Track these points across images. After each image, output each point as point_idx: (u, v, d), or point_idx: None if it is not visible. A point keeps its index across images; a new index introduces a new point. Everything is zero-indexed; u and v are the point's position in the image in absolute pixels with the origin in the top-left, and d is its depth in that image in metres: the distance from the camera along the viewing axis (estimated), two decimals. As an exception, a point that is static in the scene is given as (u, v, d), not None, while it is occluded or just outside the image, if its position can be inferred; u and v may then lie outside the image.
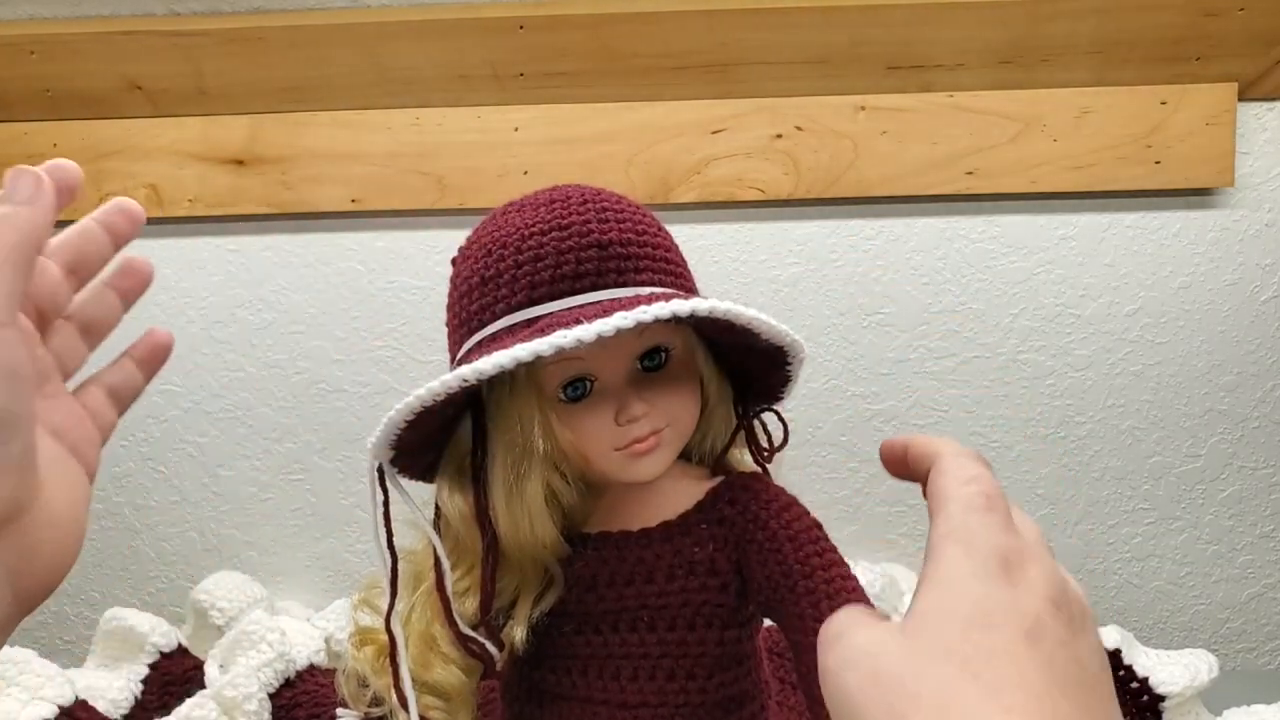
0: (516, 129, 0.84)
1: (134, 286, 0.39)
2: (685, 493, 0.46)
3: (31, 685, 0.62)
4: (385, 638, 0.45)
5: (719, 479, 0.46)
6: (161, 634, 0.72)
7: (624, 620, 0.44)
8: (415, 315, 0.89)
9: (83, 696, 0.63)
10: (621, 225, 0.43)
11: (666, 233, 0.46)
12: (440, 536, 0.44)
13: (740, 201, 0.85)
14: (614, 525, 0.45)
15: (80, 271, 0.36)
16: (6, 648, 0.66)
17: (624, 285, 0.41)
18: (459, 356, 0.44)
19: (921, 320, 0.88)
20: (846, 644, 0.29)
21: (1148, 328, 0.87)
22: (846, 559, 0.43)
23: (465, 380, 0.37)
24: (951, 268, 0.87)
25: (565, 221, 0.42)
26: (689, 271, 0.46)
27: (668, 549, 0.44)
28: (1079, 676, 0.26)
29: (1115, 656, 0.69)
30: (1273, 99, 0.84)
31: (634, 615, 0.43)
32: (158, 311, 0.89)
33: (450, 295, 0.45)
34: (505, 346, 0.37)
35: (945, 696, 0.25)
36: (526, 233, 0.42)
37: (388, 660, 0.45)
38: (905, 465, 0.33)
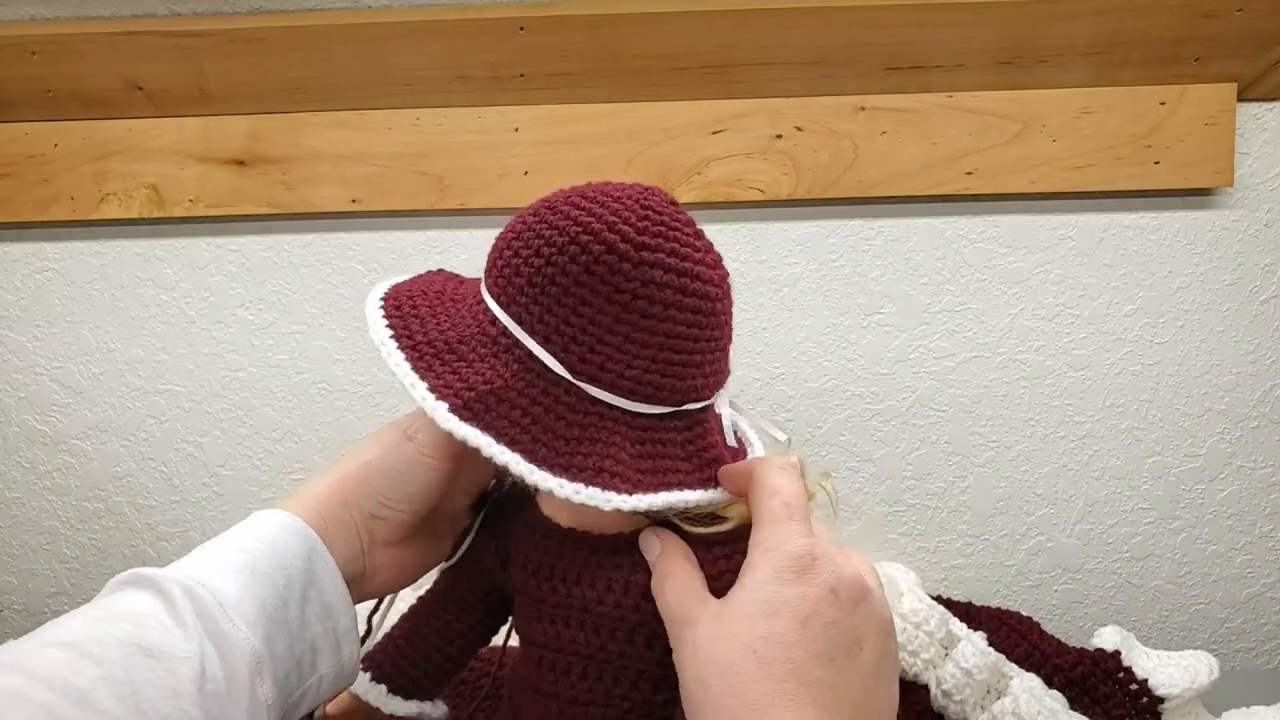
0: (517, 129, 0.84)
1: None
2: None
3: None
4: None
5: None
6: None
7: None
8: (415, 315, 0.89)
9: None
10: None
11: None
12: None
13: (740, 201, 0.85)
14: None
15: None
16: (10, 642, 0.67)
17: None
18: None
19: (921, 320, 0.88)
20: (681, 617, 0.39)
21: (1147, 328, 0.87)
22: None
23: None
24: (951, 268, 0.87)
25: None
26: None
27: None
28: (844, 645, 0.36)
29: (1115, 658, 0.69)
30: (1272, 99, 0.84)
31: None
32: (159, 312, 0.89)
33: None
34: None
35: (733, 670, 0.35)
36: None
37: None
38: (740, 487, 0.42)
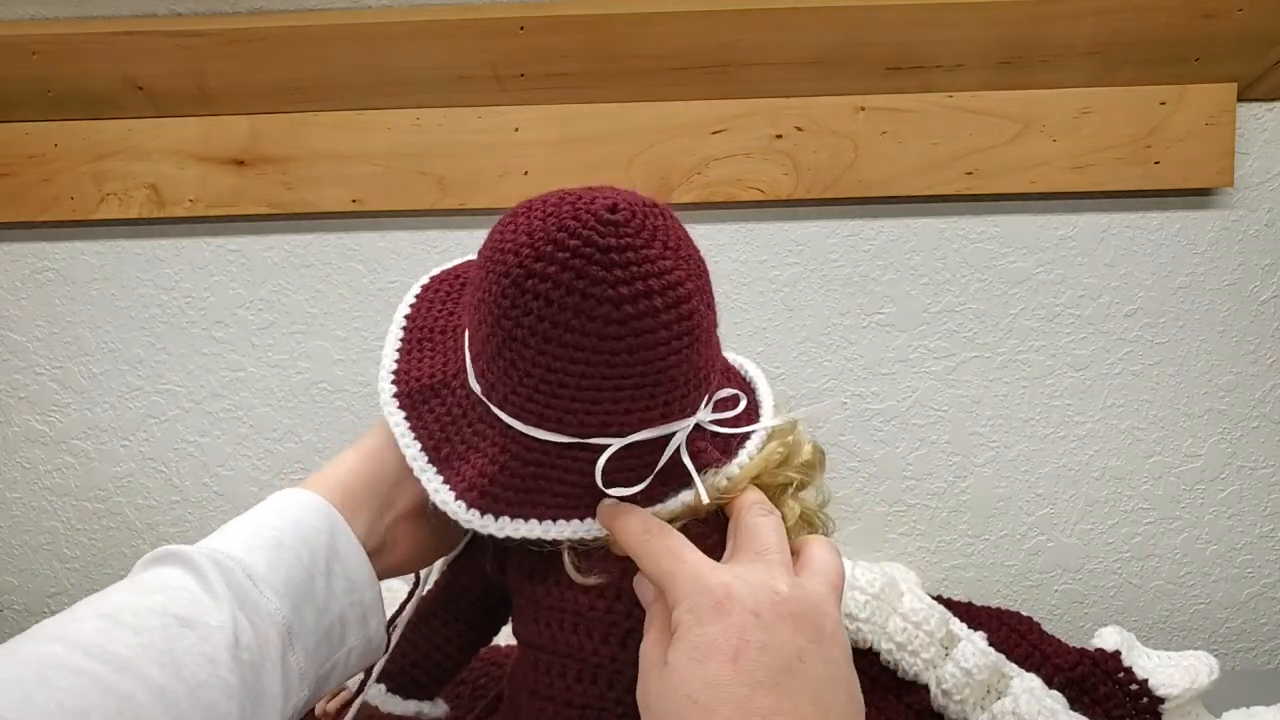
0: (517, 129, 0.84)
1: None
2: None
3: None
4: None
5: None
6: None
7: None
8: (416, 315, 0.89)
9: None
10: None
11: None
12: None
13: (740, 201, 0.85)
14: None
15: None
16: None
17: None
18: None
19: (921, 320, 0.88)
20: (642, 671, 0.39)
21: (1147, 328, 0.87)
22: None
23: None
24: (951, 268, 0.87)
25: None
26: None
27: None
28: (784, 665, 0.35)
29: (1115, 658, 0.69)
30: (1272, 99, 0.84)
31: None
32: (159, 312, 0.89)
33: None
34: None
35: None
36: None
37: None
38: (604, 522, 0.42)
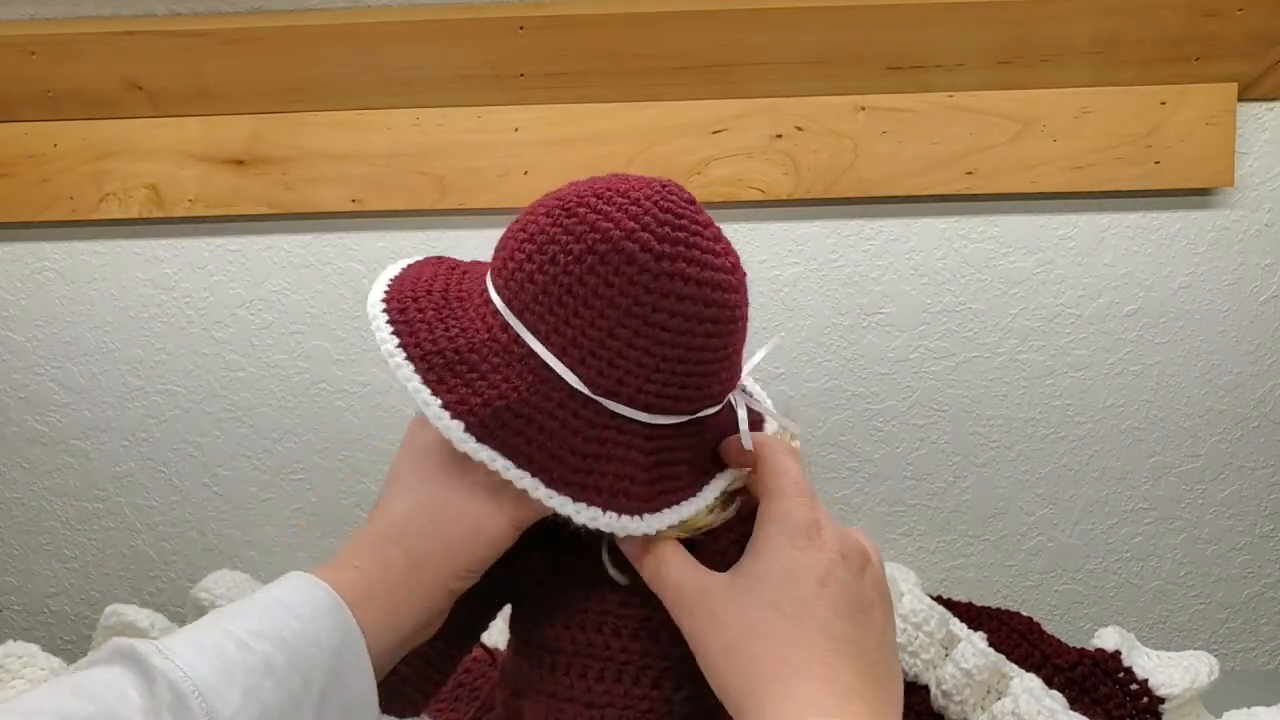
0: (517, 129, 0.84)
1: None
2: None
3: (35, 679, 0.62)
4: None
5: None
6: (161, 630, 0.72)
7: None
8: (415, 315, 0.89)
9: (83, 695, 0.63)
10: None
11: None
12: None
13: (740, 201, 0.85)
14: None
15: None
16: (10, 642, 0.67)
17: None
18: None
19: (921, 320, 0.88)
20: (693, 590, 0.39)
21: (1147, 328, 0.87)
22: None
23: None
24: (951, 268, 0.87)
25: None
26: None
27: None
28: (860, 605, 0.38)
29: (1115, 658, 0.69)
30: (1272, 99, 0.84)
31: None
32: (158, 312, 0.89)
33: None
34: None
35: (762, 631, 0.36)
36: None
37: None
38: (738, 459, 0.44)
